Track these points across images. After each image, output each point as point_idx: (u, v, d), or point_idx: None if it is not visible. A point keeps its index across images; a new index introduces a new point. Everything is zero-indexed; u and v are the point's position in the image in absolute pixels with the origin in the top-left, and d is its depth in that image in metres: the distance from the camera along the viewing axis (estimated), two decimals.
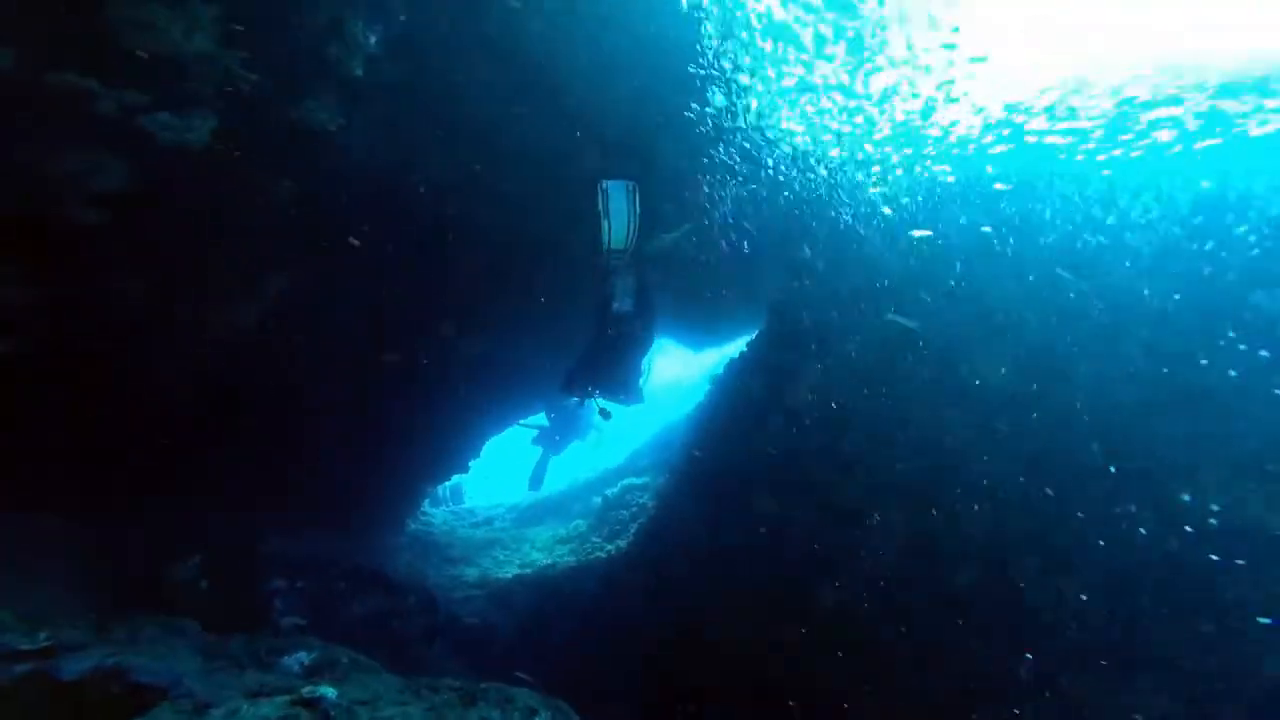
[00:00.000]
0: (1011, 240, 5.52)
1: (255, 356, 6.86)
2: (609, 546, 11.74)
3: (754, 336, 8.58)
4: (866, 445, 5.79)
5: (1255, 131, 5.18)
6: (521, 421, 13.42)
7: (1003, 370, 4.78)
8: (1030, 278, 5.28)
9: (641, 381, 7.48)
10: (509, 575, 11.01)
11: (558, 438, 14.62)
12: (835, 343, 6.20)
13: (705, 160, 8.49)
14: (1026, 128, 6.49)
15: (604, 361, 7.03)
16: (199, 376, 6.31)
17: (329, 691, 2.66)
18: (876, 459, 5.70)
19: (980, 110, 6.98)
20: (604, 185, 5.96)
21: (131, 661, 2.78)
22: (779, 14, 7.18)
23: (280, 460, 8.36)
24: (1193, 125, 5.63)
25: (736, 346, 16.23)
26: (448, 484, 15.66)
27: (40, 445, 5.27)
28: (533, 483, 10.53)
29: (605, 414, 7.80)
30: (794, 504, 6.25)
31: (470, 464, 13.88)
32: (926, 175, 6.68)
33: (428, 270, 8.80)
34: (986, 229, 5.42)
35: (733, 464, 7.19)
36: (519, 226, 8.49)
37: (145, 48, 3.88)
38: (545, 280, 10.72)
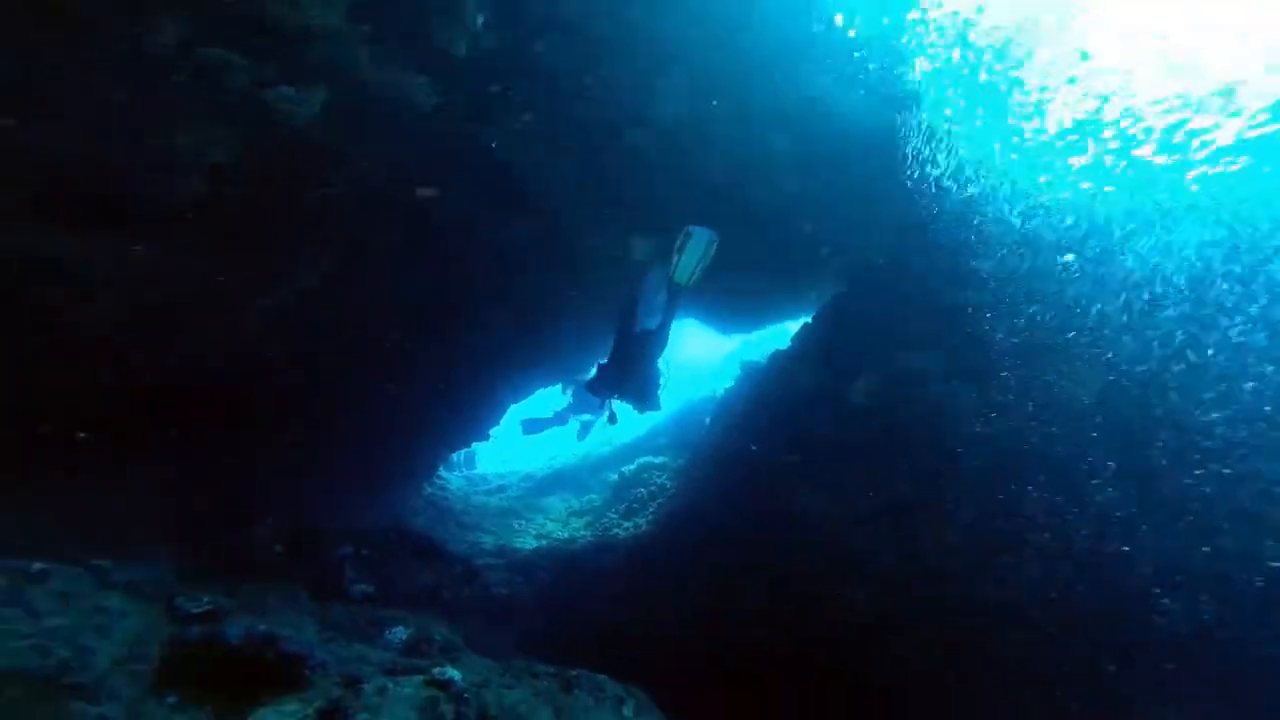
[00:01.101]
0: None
1: (303, 329, 7.13)
2: (626, 524, 12.18)
3: (803, 328, 8.78)
4: (922, 451, 6.07)
5: None
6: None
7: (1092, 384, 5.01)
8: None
9: (659, 390, 8.01)
10: (528, 547, 11.47)
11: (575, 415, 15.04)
12: (896, 348, 6.39)
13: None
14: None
15: (626, 371, 7.57)
16: (251, 349, 6.59)
17: (455, 674, 2.97)
18: (931, 465, 5.97)
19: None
20: (689, 230, 6.54)
21: (276, 630, 3.10)
22: None
23: (316, 426, 8.70)
24: None
25: (772, 333, 16.55)
26: (462, 449, 16.11)
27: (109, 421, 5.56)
28: (581, 433, 11.01)
29: (613, 419, 8.65)
30: (836, 503, 6.57)
31: (490, 431, 14.30)
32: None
33: (471, 248, 9.05)
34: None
35: (774, 456, 7.48)
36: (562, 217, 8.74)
37: (286, 20, 3.99)
38: (575, 269, 10.92)
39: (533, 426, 16.47)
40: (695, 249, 6.58)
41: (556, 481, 17.27)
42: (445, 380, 10.93)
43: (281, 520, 5.34)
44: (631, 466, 14.80)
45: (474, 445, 15.60)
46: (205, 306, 5.84)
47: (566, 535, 12.35)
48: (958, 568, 5.57)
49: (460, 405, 12.04)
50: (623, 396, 8.10)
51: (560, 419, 14.60)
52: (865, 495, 6.30)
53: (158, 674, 2.76)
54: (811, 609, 6.53)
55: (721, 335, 15.80)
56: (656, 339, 7.77)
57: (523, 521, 14.22)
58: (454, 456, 16.01)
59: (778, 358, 8.95)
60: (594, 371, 8.27)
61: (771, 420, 7.91)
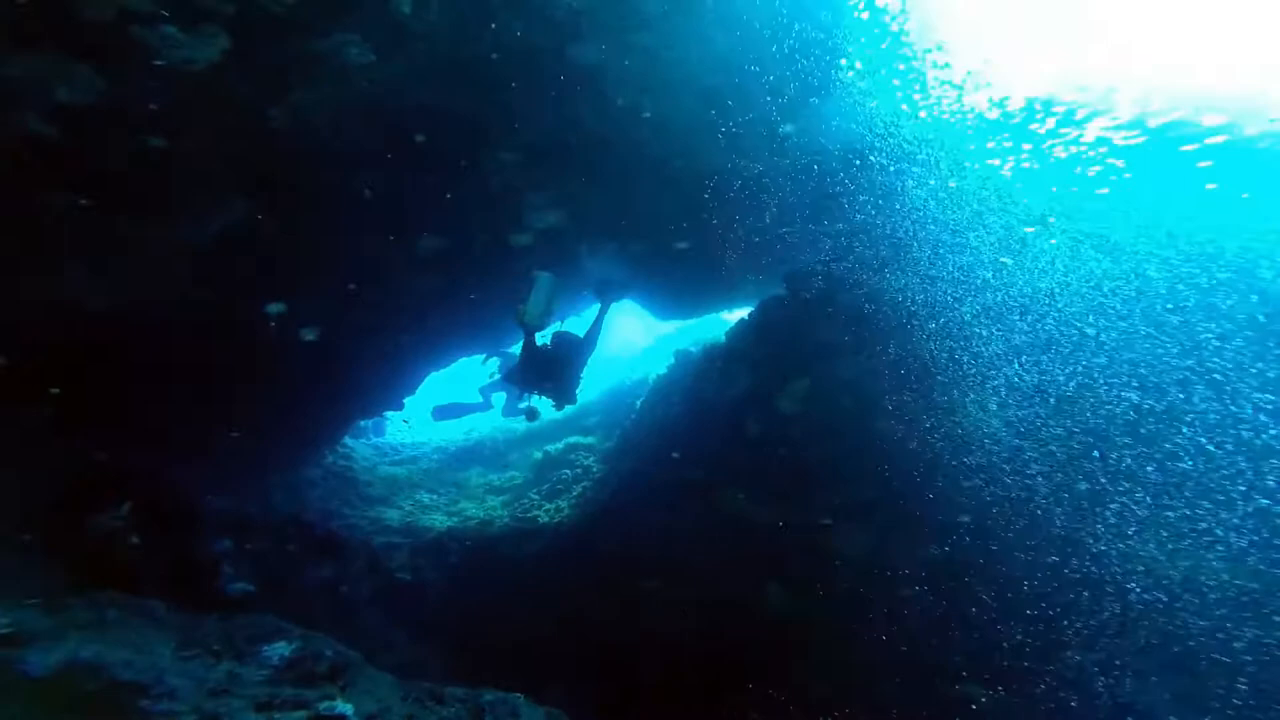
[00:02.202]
0: None
1: (195, 281, 6.42)
2: (548, 505, 11.94)
3: (743, 322, 8.71)
4: (849, 457, 6.19)
5: None
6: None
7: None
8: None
9: (578, 388, 8.74)
10: (440, 526, 11.03)
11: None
12: (832, 357, 6.45)
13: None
14: None
15: (541, 373, 8.45)
16: (128, 300, 5.83)
17: (346, 708, 2.65)
18: (857, 470, 6.10)
19: None
20: (535, 274, 7.78)
21: (107, 655, 2.65)
22: None
23: (201, 384, 7.89)
24: None
25: (705, 322, 16.54)
26: (373, 417, 15.27)
27: None
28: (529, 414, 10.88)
29: (532, 415, 9.09)
30: (763, 505, 6.62)
31: (405, 400, 13.58)
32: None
33: (391, 205, 8.59)
34: None
35: (704, 456, 7.45)
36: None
37: None
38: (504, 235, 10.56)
39: (446, 413, 15.72)
40: (541, 291, 7.76)
41: (473, 455, 16.75)
42: (358, 340, 10.22)
43: (145, 504, 4.69)
44: (558, 445, 14.53)
45: (386, 414, 14.81)
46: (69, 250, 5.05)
47: (482, 514, 11.98)
48: (877, 570, 5.73)
49: (375, 369, 11.32)
50: (542, 393, 8.74)
51: (484, 405, 14.16)
52: (792, 499, 6.35)
53: None
54: (734, 607, 6.57)
55: (658, 320, 15.67)
56: (585, 345, 8.71)
57: (434, 496, 13.70)
58: (362, 423, 15.17)
59: (713, 355, 8.86)
60: (516, 358, 9.04)
61: (703, 419, 7.85)
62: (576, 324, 11.43)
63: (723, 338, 10.11)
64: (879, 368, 5.89)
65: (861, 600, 5.70)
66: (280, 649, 3.38)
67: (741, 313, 14.34)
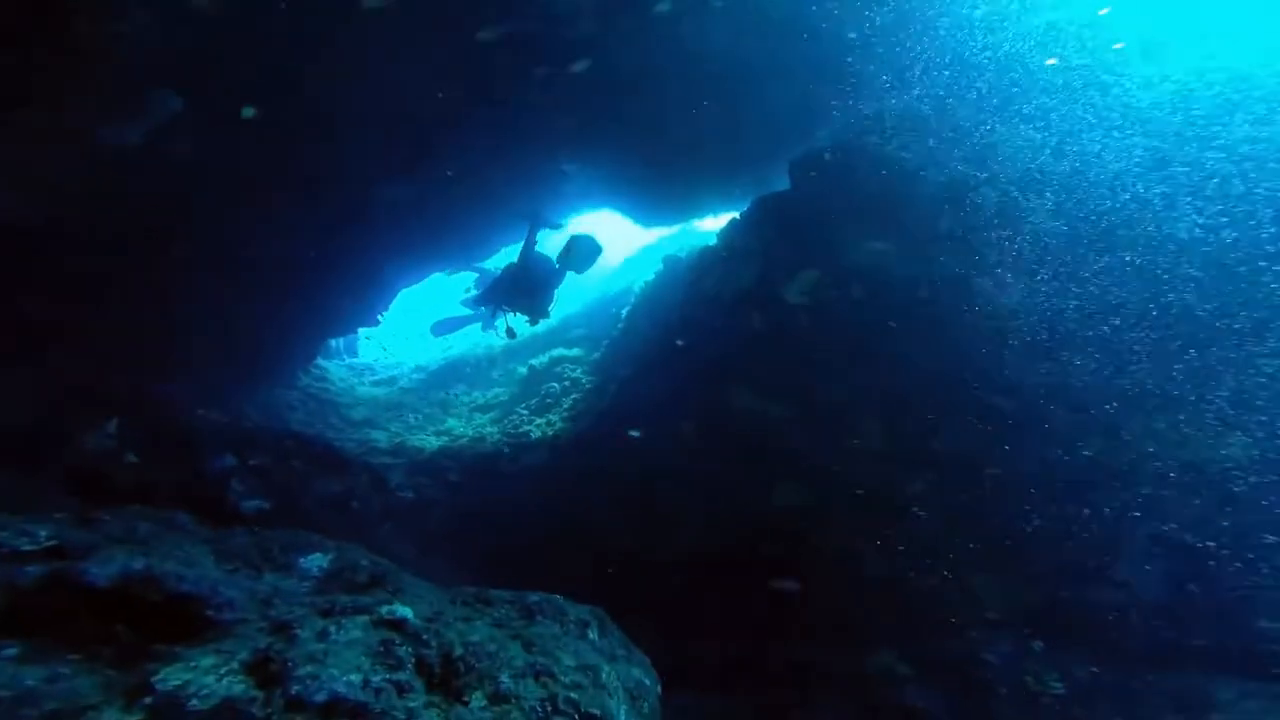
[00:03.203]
0: None
1: (143, 179, 5.91)
2: (538, 420, 11.99)
3: (739, 218, 8.50)
4: (858, 352, 6.21)
5: None
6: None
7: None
8: None
9: (551, 304, 9.62)
10: (431, 446, 11.03)
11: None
12: (849, 244, 6.31)
13: None
14: None
15: (520, 289, 9.06)
16: (79, 197, 5.33)
17: (406, 611, 2.64)
18: (865, 368, 6.15)
19: None
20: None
21: (157, 567, 2.55)
22: None
23: (166, 300, 7.49)
24: None
25: (683, 233, 16.19)
26: (346, 334, 14.89)
27: None
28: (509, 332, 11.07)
29: (511, 334, 9.99)
30: (774, 402, 6.71)
31: (380, 317, 13.22)
32: None
33: (359, 109, 8.13)
34: None
35: (709, 354, 7.43)
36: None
37: None
38: (486, 133, 10.17)
39: (445, 327, 15.52)
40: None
41: (454, 372, 16.60)
42: (331, 251, 9.78)
43: (134, 420, 4.48)
44: (543, 359, 14.44)
45: (360, 331, 14.45)
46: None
47: (471, 433, 11.99)
48: (887, 465, 5.90)
49: (347, 283, 10.92)
50: (516, 310, 9.48)
51: (477, 316, 14.10)
52: (802, 394, 6.43)
53: None
54: (743, 508, 6.77)
55: (641, 226, 15.27)
56: (559, 273, 9.39)
57: (418, 416, 13.62)
58: (333, 343, 14.79)
59: (709, 251, 8.68)
60: (494, 275, 9.72)
61: (702, 316, 7.77)
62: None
63: (715, 239, 9.94)
64: (902, 250, 5.75)
65: (876, 495, 5.86)
66: (317, 560, 3.34)
67: (728, 216, 14.11)
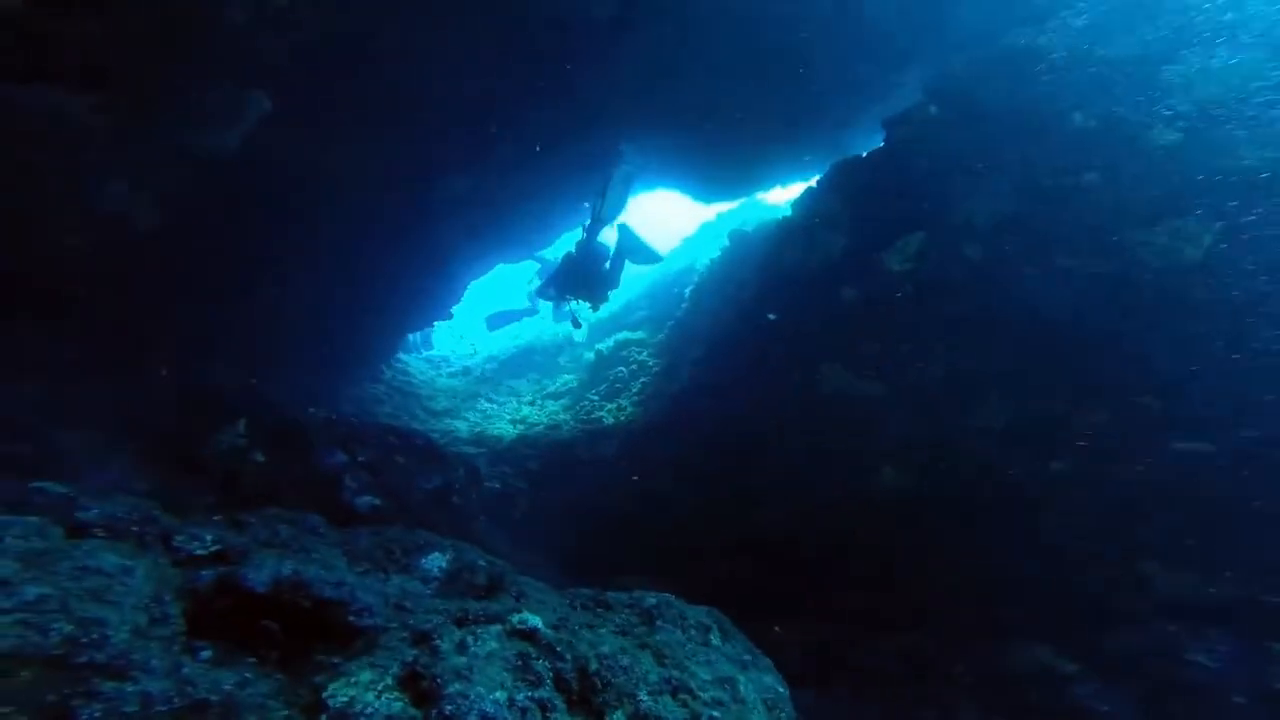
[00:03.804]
0: None
1: (238, 185, 6.12)
2: (609, 405, 12.04)
3: (818, 185, 8.12)
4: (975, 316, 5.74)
5: None
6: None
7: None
8: None
9: (613, 288, 9.85)
10: (509, 435, 11.25)
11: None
12: (962, 202, 5.81)
13: None
14: None
15: (582, 276, 9.28)
16: (176, 208, 5.57)
17: (535, 620, 2.64)
18: (983, 340, 5.70)
19: None
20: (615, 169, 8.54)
21: (304, 572, 2.64)
22: None
23: (266, 301, 7.82)
24: None
25: (760, 198, 15.73)
26: (418, 331, 15.33)
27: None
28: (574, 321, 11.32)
29: (576, 323, 10.30)
30: (872, 381, 6.40)
31: (453, 309, 13.51)
32: None
33: (422, 101, 8.24)
34: None
35: (794, 331, 7.18)
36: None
37: None
38: (544, 121, 10.16)
39: (498, 321, 15.87)
40: (618, 186, 8.75)
41: (524, 360, 16.88)
42: (404, 246, 10.04)
43: (256, 419, 4.69)
44: (608, 343, 14.46)
45: (434, 324, 14.83)
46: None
47: (545, 420, 12.16)
48: (1001, 452, 5.53)
49: (421, 278, 11.19)
50: (578, 297, 9.71)
51: (531, 310, 14.32)
52: (904, 371, 6.12)
53: (186, 634, 2.30)
54: (836, 491, 6.56)
55: (701, 202, 14.97)
56: (618, 259, 9.77)
57: (494, 405, 13.92)
58: (410, 337, 15.26)
59: (786, 222, 8.37)
60: (556, 266, 9.85)
61: (784, 290, 7.49)
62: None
63: (789, 209, 9.61)
64: (1033, 206, 5.16)
65: (1003, 478, 5.45)
66: (437, 560, 3.38)
67: (797, 186, 13.62)
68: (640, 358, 13.50)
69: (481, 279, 14.83)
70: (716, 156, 12.45)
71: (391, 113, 8.74)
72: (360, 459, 4.91)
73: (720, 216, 18.05)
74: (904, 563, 6.09)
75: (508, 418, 12.88)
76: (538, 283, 15.12)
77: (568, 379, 14.76)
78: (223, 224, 6.66)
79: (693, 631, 3.00)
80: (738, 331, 8.05)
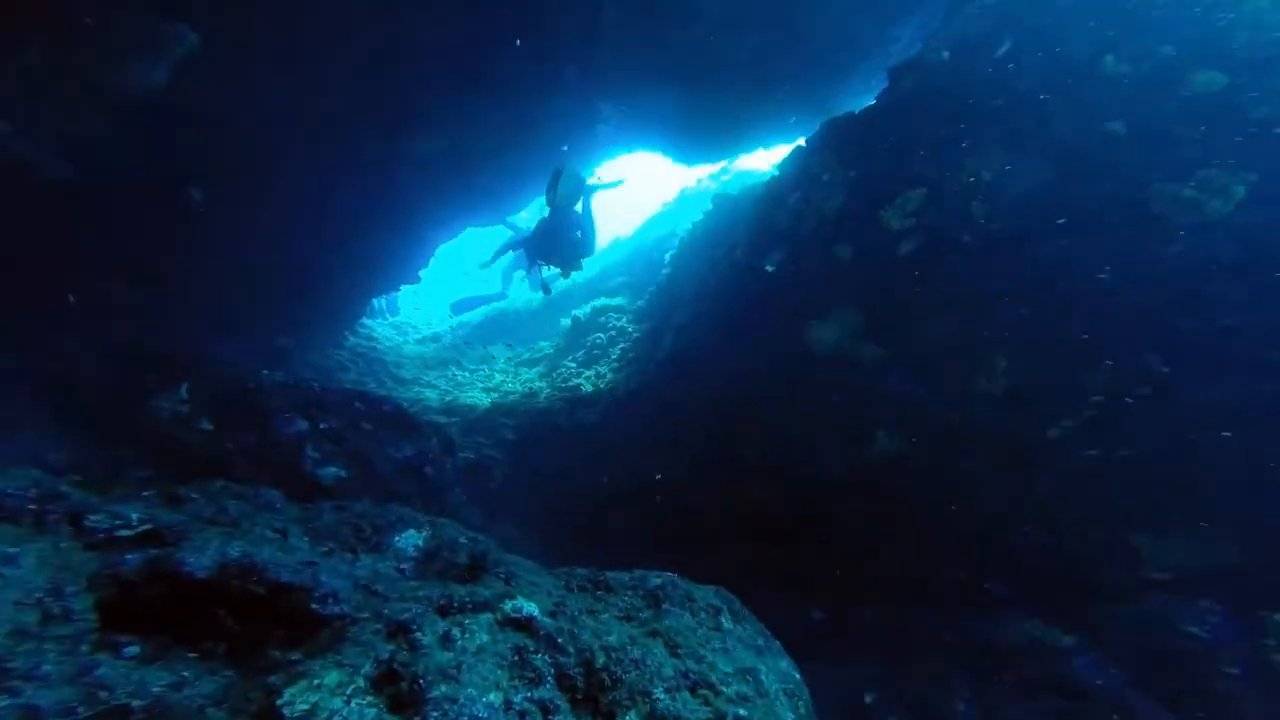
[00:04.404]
0: None
1: (171, 126, 5.48)
2: (587, 372, 11.67)
3: (809, 143, 7.73)
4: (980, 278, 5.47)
5: None
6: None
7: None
8: None
9: (585, 255, 9.86)
10: (484, 403, 10.81)
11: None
12: (968, 158, 5.48)
13: None
14: None
15: (551, 242, 9.30)
16: (104, 144, 4.93)
17: (532, 607, 2.30)
18: (986, 301, 5.45)
19: None
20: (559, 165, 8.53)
21: (255, 554, 2.24)
22: None
23: (214, 258, 7.19)
24: None
25: (740, 163, 15.26)
26: (384, 296, 14.65)
27: None
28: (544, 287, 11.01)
29: (547, 289, 10.10)
30: (867, 342, 6.14)
31: (420, 273, 12.88)
32: None
33: (388, 49, 7.61)
34: None
35: (787, 292, 6.87)
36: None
37: None
38: (514, 72, 9.64)
39: (464, 306, 15.31)
40: (568, 179, 8.71)
41: (496, 327, 16.34)
42: (370, 206, 9.42)
43: (202, 382, 4.19)
44: (585, 309, 14.03)
45: (400, 289, 14.19)
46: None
47: (520, 388, 11.74)
48: (1009, 416, 5.32)
49: (387, 239, 10.57)
50: (549, 262, 9.72)
51: (500, 295, 14.02)
52: (902, 332, 5.86)
53: (97, 630, 1.90)
54: (828, 459, 6.34)
55: (680, 163, 14.45)
56: (585, 219, 9.73)
57: (466, 373, 13.43)
58: (375, 302, 14.58)
59: (775, 181, 7.99)
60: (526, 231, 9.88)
61: (780, 249, 7.14)
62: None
63: (777, 170, 9.23)
64: (1046, 160, 4.85)
65: (1000, 444, 5.24)
66: (412, 538, 3.01)
67: (781, 149, 13.22)
68: (619, 324, 13.12)
69: (450, 242, 14.21)
70: (698, 115, 11.96)
71: (352, 56, 8.08)
72: (323, 427, 4.45)
73: (701, 187, 17.60)
74: (893, 532, 5.91)
75: (480, 386, 12.42)
76: (489, 260, 14.68)
77: (542, 345, 14.32)
78: (157, 173, 6.01)
79: (703, 615, 2.70)
80: (727, 294, 7.70)
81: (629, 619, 2.53)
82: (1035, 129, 4.89)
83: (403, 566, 2.88)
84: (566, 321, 13.95)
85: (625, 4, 8.52)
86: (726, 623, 2.67)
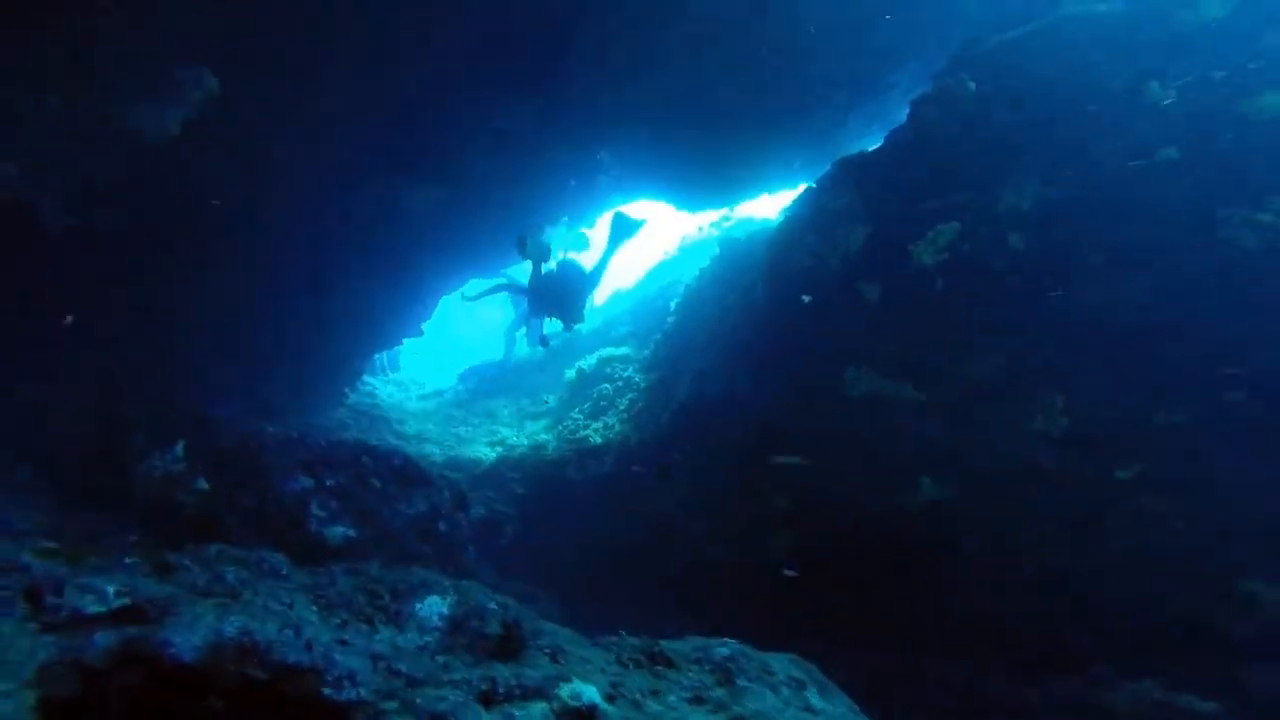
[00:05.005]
0: None
1: (180, 174, 5.32)
2: (595, 424, 11.30)
3: (822, 182, 7.63)
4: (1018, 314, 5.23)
5: None
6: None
7: None
8: None
9: (585, 309, 9.92)
10: (490, 457, 10.41)
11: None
12: (1001, 189, 5.27)
13: None
14: None
15: (548, 299, 9.37)
16: (121, 198, 4.74)
17: (591, 693, 1.91)
18: (1033, 334, 5.17)
19: None
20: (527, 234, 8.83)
21: (258, 630, 1.88)
22: None
23: (213, 316, 6.94)
24: None
25: (740, 211, 15.34)
26: (385, 351, 14.41)
27: None
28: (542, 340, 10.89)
29: (545, 342, 10.10)
30: (904, 383, 5.85)
31: (423, 326, 12.67)
32: None
33: (389, 99, 7.65)
34: None
35: (811, 334, 6.62)
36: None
37: None
38: (516, 117, 9.76)
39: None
40: (536, 244, 9.00)
41: (498, 382, 16.02)
42: (370, 259, 9.27)
43: (198, 439, 3.85)
44: (590, 360, 13.75)
45: (403, 342, 13.94)
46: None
47: (526, 442, 11.34)
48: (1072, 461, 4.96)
49: (390, 293, 10.40)
50: (550, 315, 9.76)
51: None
52: (942, 371, 5.58)
53: None
54: (869, 508, 5.94)
55: (682, 210, 14.48)
56: (591, 274, 9.90)
57: (470, 428, 13.04)
58: (376, 359, 14.31)
59: (791, 221, 7.85)
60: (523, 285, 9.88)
61: (796, 292, 6.93)
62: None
63: (786, 212, 9.15)
64: (1089, 188, 4.66)
65: (1053, 492, 4.85)
66: (435, 605, 2.60)
67: (787, 194, 13.25)
68: (625, 374, 12.82)
69: (452, 294, 14.08)
70: (700, 159, 12.03)
71: (356, 109, 8.08)
72: (329, 483, 4.08)
73: (704, 239, 17.65)
74: (948, 585, 5.47)
75: (484, 440, 12.01)
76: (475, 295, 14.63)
77: (546, 398, 13.97)
78: (161, 222, 5.82)
79: (785, 690, 2.29)
80: (746, 338, 7.45)
81: (700, 700, 2.13)
82: (1074, 157, 4.75)
83: (427, 639, 2.47)
84: (571, 373, 13.66)
85: (628, 50, 8.61)
86: (814, 698, 2.27)
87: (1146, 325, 4.40)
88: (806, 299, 5.82)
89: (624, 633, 2.71)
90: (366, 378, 12.84)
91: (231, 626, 1.80)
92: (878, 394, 5.74)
